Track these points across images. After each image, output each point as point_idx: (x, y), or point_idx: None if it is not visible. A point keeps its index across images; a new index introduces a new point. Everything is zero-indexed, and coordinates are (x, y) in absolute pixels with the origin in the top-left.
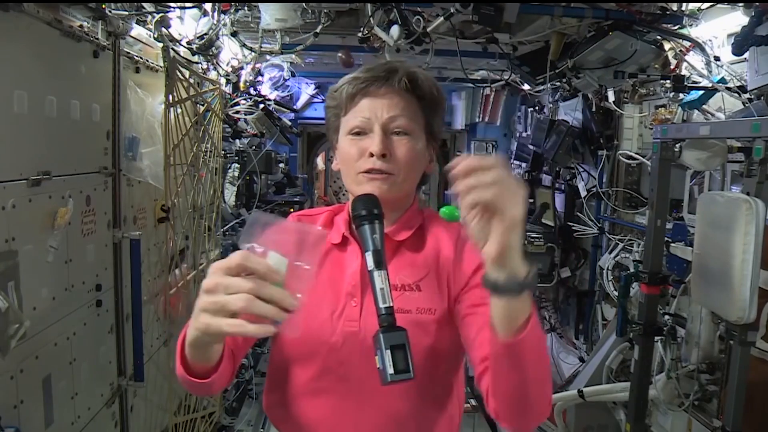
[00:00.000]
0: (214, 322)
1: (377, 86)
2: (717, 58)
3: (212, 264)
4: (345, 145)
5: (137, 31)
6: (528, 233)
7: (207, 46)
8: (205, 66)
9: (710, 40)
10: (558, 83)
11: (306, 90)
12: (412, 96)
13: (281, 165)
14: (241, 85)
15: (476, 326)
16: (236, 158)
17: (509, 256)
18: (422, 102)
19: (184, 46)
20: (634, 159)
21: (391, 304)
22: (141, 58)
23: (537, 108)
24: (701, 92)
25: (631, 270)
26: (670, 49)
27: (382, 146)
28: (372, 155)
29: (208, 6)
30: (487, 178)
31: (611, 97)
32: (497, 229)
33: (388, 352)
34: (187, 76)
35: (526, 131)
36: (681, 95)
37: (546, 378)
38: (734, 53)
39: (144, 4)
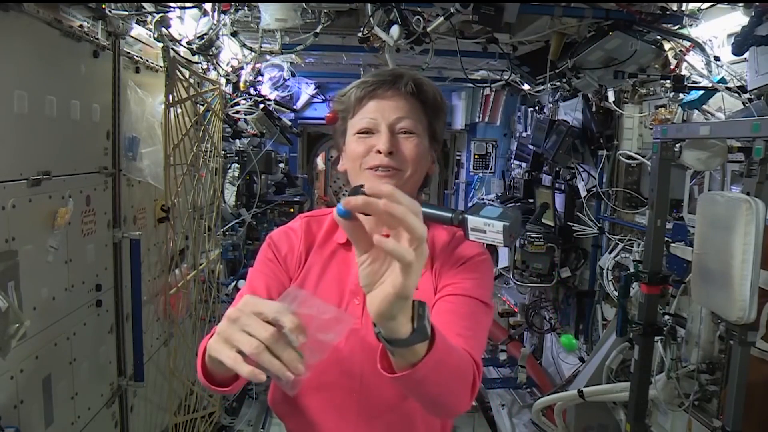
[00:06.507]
0: (218, 348)
1: (384, 89)
2: (717, 58)
3: (247, 296)
4: (352, 143)
5: (137, 31)
6: (528, 233)
7: (207, 46)
8: (205, 66)
9: (710, 40)
10: (558, 83)
11: (306, 90)
12: (417, 100)
13: (281, 165)
14: (241, 85)
15: (436, 312)
16: (236, 158)
17: (393, 310)
18: (426, 106)
19: (184, 46)
20: (634, 159)
21: (447, 214)
22: (141, 58)
23: (537, 108)
24: (701, 92)
25: (631, 270)
26: (670, 49)
27: (389, 144)
28: (379, 152)
29: (208, 6)
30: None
31: (611, 97)
32: (394, 270)
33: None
34: (187, 76)
35: (526, 131)
36: (681, 95)
37: (453, 390)
38: (734, 53)
39: (144, 4)
